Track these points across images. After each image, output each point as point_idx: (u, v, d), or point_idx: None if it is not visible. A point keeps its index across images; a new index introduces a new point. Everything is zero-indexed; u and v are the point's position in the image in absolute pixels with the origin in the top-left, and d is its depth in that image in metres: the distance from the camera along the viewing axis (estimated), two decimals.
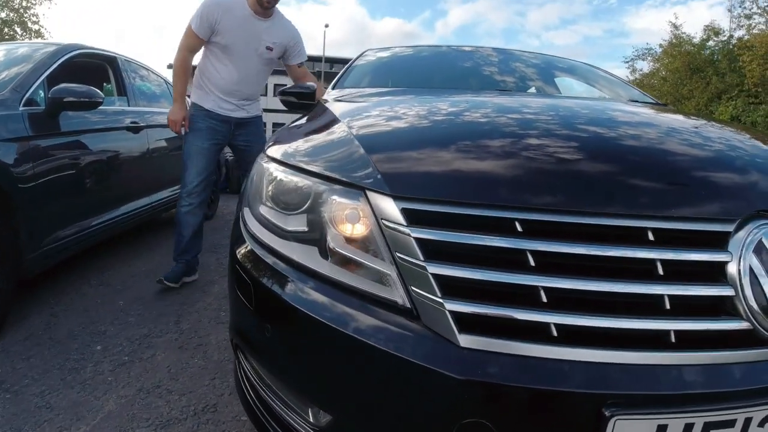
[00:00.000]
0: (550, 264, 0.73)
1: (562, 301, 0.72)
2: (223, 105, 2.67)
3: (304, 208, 0.91)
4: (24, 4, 18.84)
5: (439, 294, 0.73)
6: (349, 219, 0.83)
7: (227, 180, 6.31)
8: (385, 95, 1.69)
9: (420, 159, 0.90)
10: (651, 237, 0.74)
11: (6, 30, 18.52)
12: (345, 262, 0.83)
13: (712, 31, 20.73)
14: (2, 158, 1.99)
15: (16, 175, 2.06)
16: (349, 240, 0.83)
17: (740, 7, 19.68)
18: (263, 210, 1.01)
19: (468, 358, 0.69)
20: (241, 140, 2.80)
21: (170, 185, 3.83)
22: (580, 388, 0.67)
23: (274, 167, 1.05)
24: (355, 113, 1.24)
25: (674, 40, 21.56)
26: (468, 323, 0.72)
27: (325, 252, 0.86)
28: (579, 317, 0.71)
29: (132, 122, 3.29)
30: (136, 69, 3.89)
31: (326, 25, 37.30)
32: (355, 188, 0.85)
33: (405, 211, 0.78)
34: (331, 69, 40.94)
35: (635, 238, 0.75)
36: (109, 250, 3.35)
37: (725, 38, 20.45)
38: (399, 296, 0.77)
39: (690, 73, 20.63)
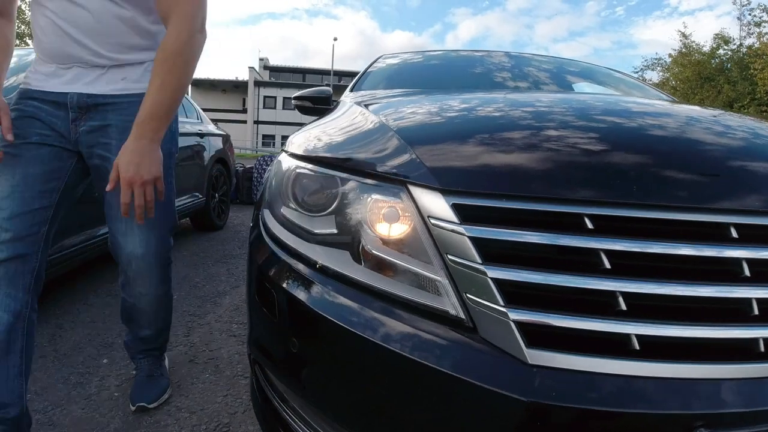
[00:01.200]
0: (625, 266, 0.63)
1: (641, 308, 0.61)
2: (46, 72, 1.32)
3: (333, 207, 0.81)
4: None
5: (501, 302, 0.62)
6: (388, 218, 0.73)
7: (237, 190, 6.24)
8: (412, 95, 1.59)
9: (470, 150, 0.79)
10: (734, 234, 0.64)
11: (18, 43, 18.72)
12: (383, 267, 0.73)
13: (722, 39, 20.58)
14: None
15: None
16: (388, 242, 0.73)
17: (749, 15, 19.57)
18: (286, 212, 0.91)
19: (538, 378, 0.59)
20: (97, 147, 1.34)
21: (178, 194, 3.74)
22: (669, 409, 0.57)
23: (296, 163, 0.95)
24: (386, 106, 1.14)
25: (684, 49, 21.43)
26: (536, 336, 0.61)
27: (359, 256, 0.76)
28: (664, 326, 0.60)
29: None
30: None
31: (335, 39, 37.44)
32: (396, 183, 0.75)
33: (456, 207, 0.68)
34: (339, 82, 41.34)
35: (716, 235, 0.65)
36: (112, 262, 3.26)
37: (735, 46, 20.31)
38: (450, 305, 0.67)
39: (701, 81, 20.46)
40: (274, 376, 0.86)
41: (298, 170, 0.93)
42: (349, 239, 0.77)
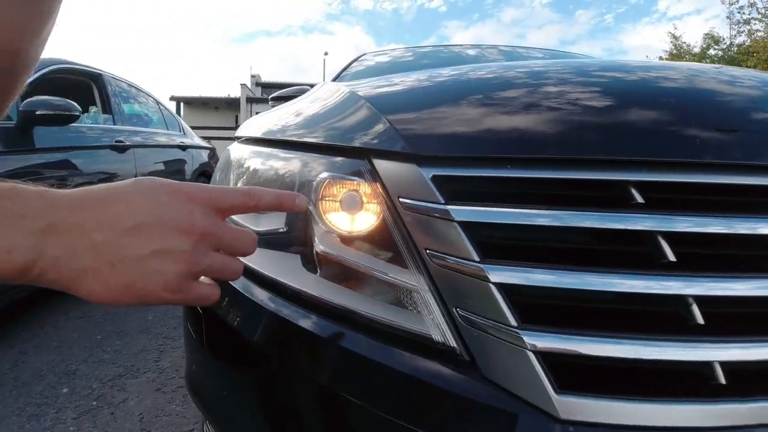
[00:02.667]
0: (696, 257, 0.41)
1: (721, 321, 0.40)
2: None
3: None
4: None
5: (513, 321, 0.40)
6: (347, 204, 0.52)
7: None
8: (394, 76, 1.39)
9: (462, 110, 0.57)
10: None
11: None
12: (342, 275, 0.52)
13: (712, 39, 20.59)
14: None
15: None
16: (348, 239, 0.52)
17: (739, 13, 19.59)
18: None
19: None
20: None
21: None
22: None
23: (244, 150, 0.76)
24: (361, 84, 0.87)
25: (675, 51, 21.42)
26: (569, 373, 0.39)
27: (313, 260, 0.55)
28: (755, 346, 0.39)
29: (117, 141, 3.03)
30: (125, 88, 3.66)
31: (325, 53, 37.34)
32: (356, 155, 0.54)
33: (438, 180, 0.47)
34: None
35: None
36: None
37: (726, 46, 20.28)
38: (434, 326, 0.45)
39: None
40: (209, 423, 0.63)
41: (245, 156, 0.73)
42: (300, 238, 0.57)
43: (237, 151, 0.79)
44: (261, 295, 0.56)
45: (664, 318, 0.41)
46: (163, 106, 4.31)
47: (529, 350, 0.39)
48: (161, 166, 3.62)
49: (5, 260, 0.31)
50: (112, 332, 2.25)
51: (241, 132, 0.85)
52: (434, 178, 0.47)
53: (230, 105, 46.73)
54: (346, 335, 0.47)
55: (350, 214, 0.51)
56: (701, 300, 0.40)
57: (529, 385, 0.39)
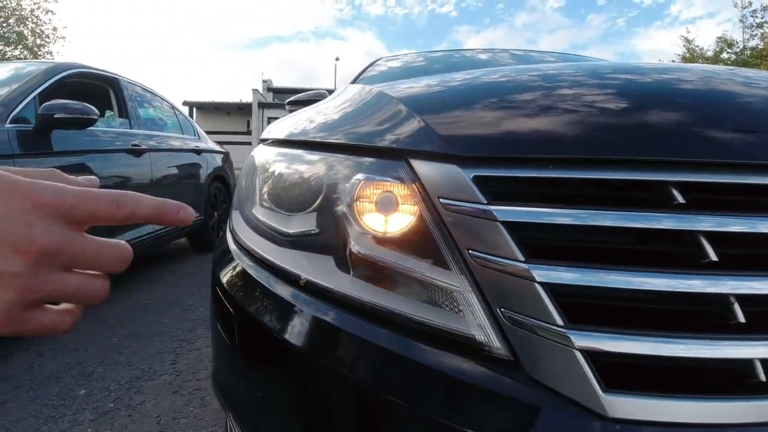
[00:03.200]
0: (737, 257, 0.42)
1: (757, 317, 0.40)
2: None
3: (316, 204, 0.61)
4: (38, 41, 19.18)
5: (560, 321, 0.41)
6: (383, 205, 0.52)
7: None
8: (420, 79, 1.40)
9: (500, 111, 0.57)
10: None
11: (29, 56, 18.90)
12: (377, 275, 0.52)
13: (725, 42, 20.42)
14: None
15: None
16: (384, 240, 0.52)
17: (752, 16, 19.39)
18: (258, 212, 0.72)
19: None
20: None
21: None
22: None
23: (270, 153, 0.76)
24: (385, 85, 0.87)
25: (688, 54, 21.26)
26: (615, 372, 0.40)
27: (346, 261, 0.55)
28: None
29: (134, 145, 3.07)
30: (141, 93, 3.71)
31: (337, 59, 37.53)
32: (393, 157, 0.55)
33: (480, 181, 0.47)
34: None
35: None
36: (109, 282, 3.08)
37: (739, 49, 20.10)
38: (477, 327, 0.45)
39: None
40: (238, 424, 0.63)
41: (271, 159, 0.74)
42: (332, 239, 0.57)
43: (262, 154, 0.79)
44: (294, 296, 0.57)
45: (704, 317, 0.42)
46: (177, 110, 4.36)
47: (577, 350, 0.39)
48: (176, 170, 3.65)
49: None
50: (127, 335, 2.27)
51: (266, 134, 0.85)
52: (475, 179, 0.47)
53: (242, 110, 47.13)
54: (383, 335, 0.48)
55: (386, 215, 0.52)
56: (742, 299, 0.40)
57: (577, 385, 0.39)
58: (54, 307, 0.32)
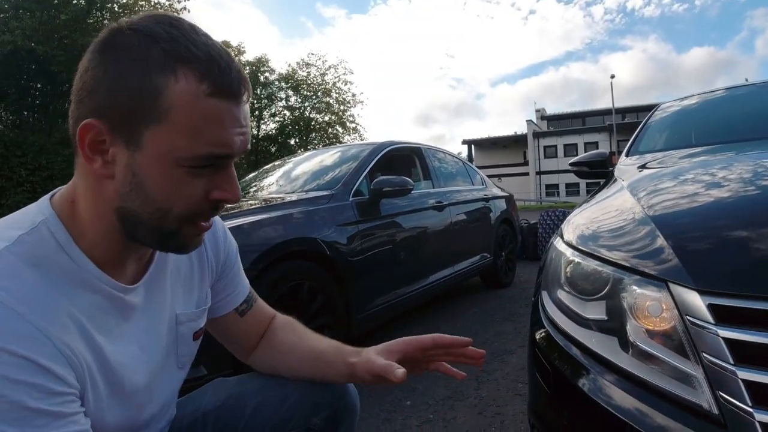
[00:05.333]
0: None
1: None
2: None
3: (603, 293, 0.88)
4: (342, 108, 24.23)
5: (749, 403, 0.64)
6: (651, 312, 0.78)
7: (522, 247, 6.40)
8: (685, 158, 1.50)
9: (730, 243, 0.81)
10: None
11: (330, 130, 24.27)
12: (646, 357, 0.78)
13: None
14: (338, 239, 2.57)
15: (347, 252, 2.61)
16: (652, 333, 0.78)
17: None
18: (561, 295, 1.02)
19: None
20: None
21: (469, 255, 4.14)
22: None
23: (569, 252, 1.06)
24: (650, 190, 1.18)
25: None
26: None
27: (626, 343, 0.81)
28: None
29: (437, 202, 3.74)
30: (436, 154, 4.47)
31: (612, 76, 35.04)
32: (657, 279, 0.80)
33: (712, 308, 0.70)
34: (623, 120, 38.08)
35: None
36: (419, 315, 3.79)
37: None
38: (705, 400, 0.69)
39: None
40: None
41: (570, 259, 1.04)
42: (617, 326, 0.84)
43: (563, 250, 1.11)
44: (588, 363, 0.86)
45: None
46: (469, 165, 5.03)
47: (757, 422, 0.62)
48: (469, 218, 4.22)
49: None
50: None
51: (566, 236, 1.15)
52: (710, 306, 0.71)
53: (517, 142, 48.11)
54: (645, 397, 0.74)
55: (653, 317, 0.78)
56: None
57: None
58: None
